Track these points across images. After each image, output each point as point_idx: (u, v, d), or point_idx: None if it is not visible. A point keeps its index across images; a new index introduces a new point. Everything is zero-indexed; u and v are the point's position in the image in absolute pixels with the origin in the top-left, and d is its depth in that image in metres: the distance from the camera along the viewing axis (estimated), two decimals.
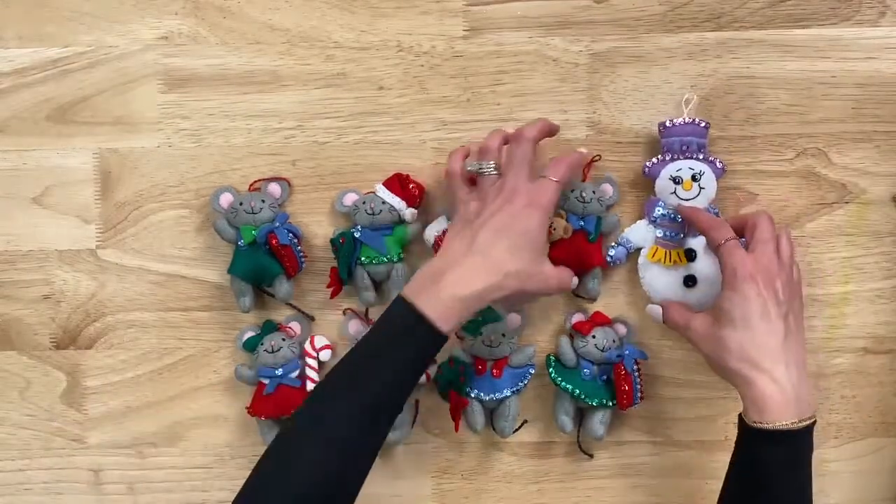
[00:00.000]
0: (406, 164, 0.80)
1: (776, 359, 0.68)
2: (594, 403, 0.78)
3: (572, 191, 0.78)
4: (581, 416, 0.80)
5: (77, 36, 0.81)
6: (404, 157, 0.81)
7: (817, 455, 0.81)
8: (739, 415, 0.69)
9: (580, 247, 0.78)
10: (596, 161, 0.79)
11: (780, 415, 0.67)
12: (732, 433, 0.81)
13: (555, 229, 0.77)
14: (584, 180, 0.79)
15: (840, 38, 0.78)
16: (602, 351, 0.78)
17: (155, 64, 0.81)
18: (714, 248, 0.72)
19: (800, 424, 0.67)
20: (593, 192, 0.78)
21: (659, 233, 0.79)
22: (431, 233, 0.79)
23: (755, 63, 0.78)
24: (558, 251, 0.78)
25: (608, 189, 0.79)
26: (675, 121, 0.77)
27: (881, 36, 0.78)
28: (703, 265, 0.78)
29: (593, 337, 0.79)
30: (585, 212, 0.78)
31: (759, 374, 0.68)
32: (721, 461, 0.81)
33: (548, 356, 0.80)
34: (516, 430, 0.81)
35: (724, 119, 0.79)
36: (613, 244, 0.79)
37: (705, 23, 0.79)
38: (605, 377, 0.79)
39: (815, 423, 0.68)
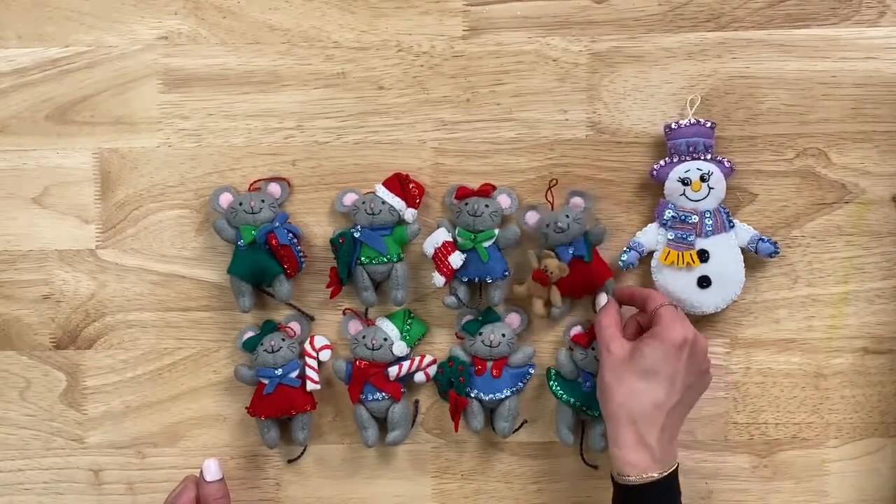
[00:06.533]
0: (406, 164, 0.80)
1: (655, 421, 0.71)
2: (596, 415, 0.77)
3: (547, 226, 0.76)
4: (583, 427, 0.80)
5: (77, 36, 0.81)
6: (404, 157, 0.81)
7: (818, 455, 0.81)
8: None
9: (582, 271, 0.77)
10: (553, 186, 0.78)
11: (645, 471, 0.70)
12: (732, 433, 0.81)
13: (551, 273, 0.76)
14: (552, 209, 0.78)
15: (840, 38, 0.78)
16: None
17: (155, 64, 0.81)
18: (651, 310, 0.74)
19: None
20: (566, 216, 0.76)
21: (670, 235, 0.78)
22: (430, 246, 0.78)
23: (755, 63, 0.79)
24: (565, 287, 0.77)
25: (579, 202, 0.78)
26: (680, 123, 0.77)
27: (881, 36, 0.78)
28: (717, 266, 0.78)
29: (592, 349, 0.78)
30: (569, 238, 0.76)
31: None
32: (721, 461, 0.82)
33: (548, 369, 0.80)
34: (516, 430, 0.81)
35: (724, 119, 0.79)
36: (626, 249, 0.79)
37: (705, 23, 0.79)
38: None
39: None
